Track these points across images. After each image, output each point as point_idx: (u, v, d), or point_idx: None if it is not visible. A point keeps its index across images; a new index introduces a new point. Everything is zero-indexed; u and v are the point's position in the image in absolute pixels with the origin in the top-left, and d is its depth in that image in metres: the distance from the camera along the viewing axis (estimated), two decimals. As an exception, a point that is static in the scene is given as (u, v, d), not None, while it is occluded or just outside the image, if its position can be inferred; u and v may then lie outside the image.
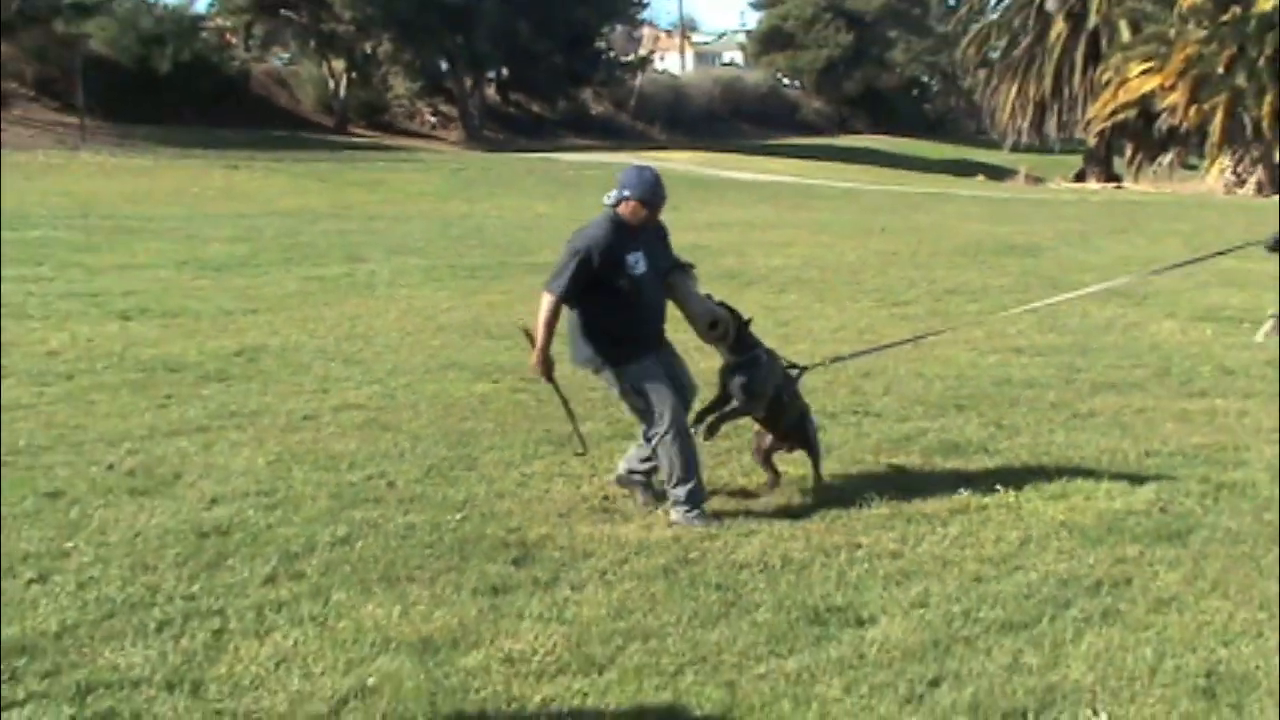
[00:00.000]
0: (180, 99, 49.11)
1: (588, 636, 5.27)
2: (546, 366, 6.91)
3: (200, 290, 15.66)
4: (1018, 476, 7.70)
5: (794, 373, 7.59)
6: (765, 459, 7.60)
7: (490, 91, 62.95)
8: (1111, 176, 55.32)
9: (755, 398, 7.22)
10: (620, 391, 7.05)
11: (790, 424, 7.45)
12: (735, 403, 7.26)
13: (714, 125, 71.39)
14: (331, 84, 56.23)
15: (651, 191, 6.82)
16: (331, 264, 18.63)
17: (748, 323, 7.27)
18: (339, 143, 50.32)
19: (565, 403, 7.34)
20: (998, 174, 57.73)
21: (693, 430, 7.13)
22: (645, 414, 6.98)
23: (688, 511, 6.85)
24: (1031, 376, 10.84)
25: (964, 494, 7.37)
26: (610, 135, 63.40)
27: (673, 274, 7.07)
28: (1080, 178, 56.14)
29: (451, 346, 12.26)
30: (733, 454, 8.13)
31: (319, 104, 57.25)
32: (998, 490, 7.43)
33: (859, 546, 6.47)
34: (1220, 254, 11.57)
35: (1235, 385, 10.51)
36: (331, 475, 7.66)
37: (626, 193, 6.79)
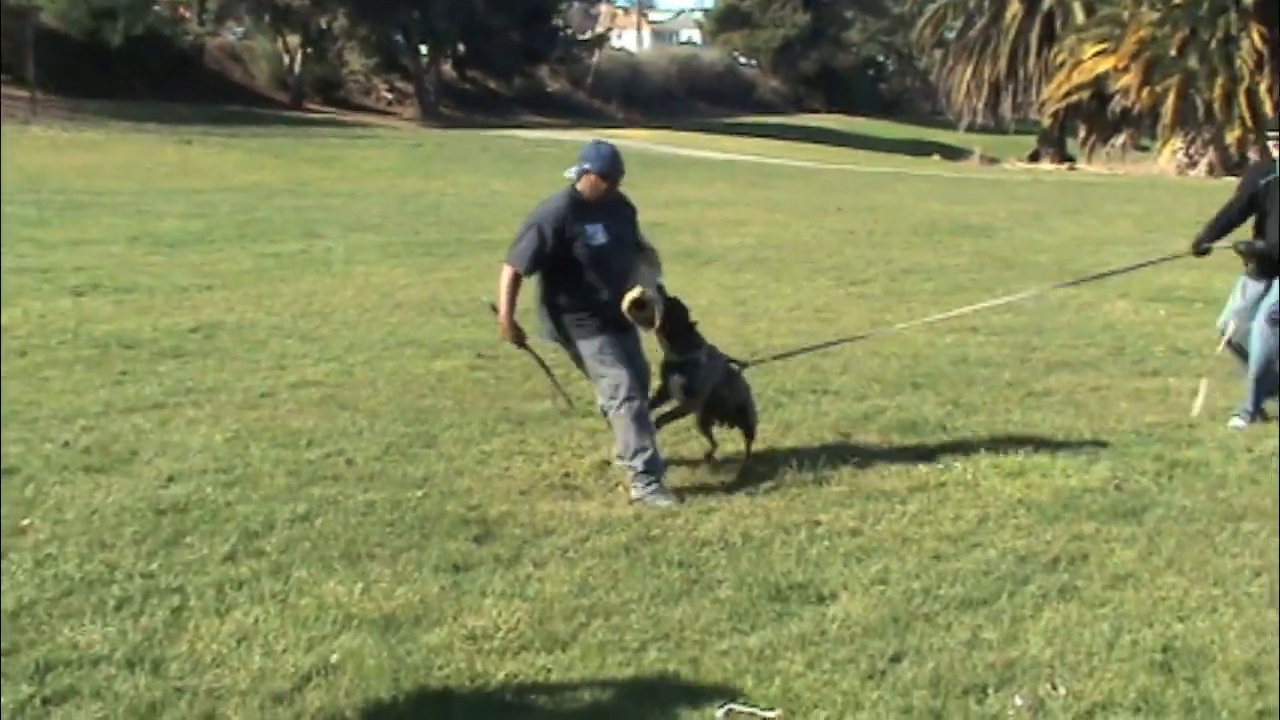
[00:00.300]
0: (133, 73, 48.54)
1: (550, 613, 5.27)
2: (515, 334, 7.04)
3: (154, 266, 15.52)
4: (975, 454, 7.76)
5: (735, 367, 7.65)
6: (704, 429, 7.67)
7: (447, 68, 62.55)
8: (1065, 157, 55.67)
9: (693, 397, 7.34)
10: (578, 363, 7.20)
11: (727, 412, 7.57)
12: (674, 401, 7.38)
13: (671, 103, 71.32)
14: (286, 59, 55.68)
15: (610, 165, 6.94)
16: (288, 240, 18.52)
17: (693, 325, 7.38)
18: (294, 118, 49.89)
19: (542, 364, 7.47)
20: (953, 154, 57.97)
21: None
22: (600, 387, 7.10)
23: (647, 484, 6.87)
24: (988, 355, 10.92)
25: (922, 471, 7.43)
26: (567, 112, 63.19)
27: (637, 254, 7.21)
28: (1034, 158, 56.45)
29: (409, 324, 12.21)
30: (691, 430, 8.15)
31: (274, 79, 56.74)
32: (955, 468, 7.50)
33: (818, 524, 6.50)
34: (1136, 266, 11.44)
35: (1188, 365, 10.61)
36: (290, 453, 7.62)
37: (586, 166, 6.93)
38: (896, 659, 4.90)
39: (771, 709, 4.47)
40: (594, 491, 7.02)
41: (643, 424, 6.96)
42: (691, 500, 6.86)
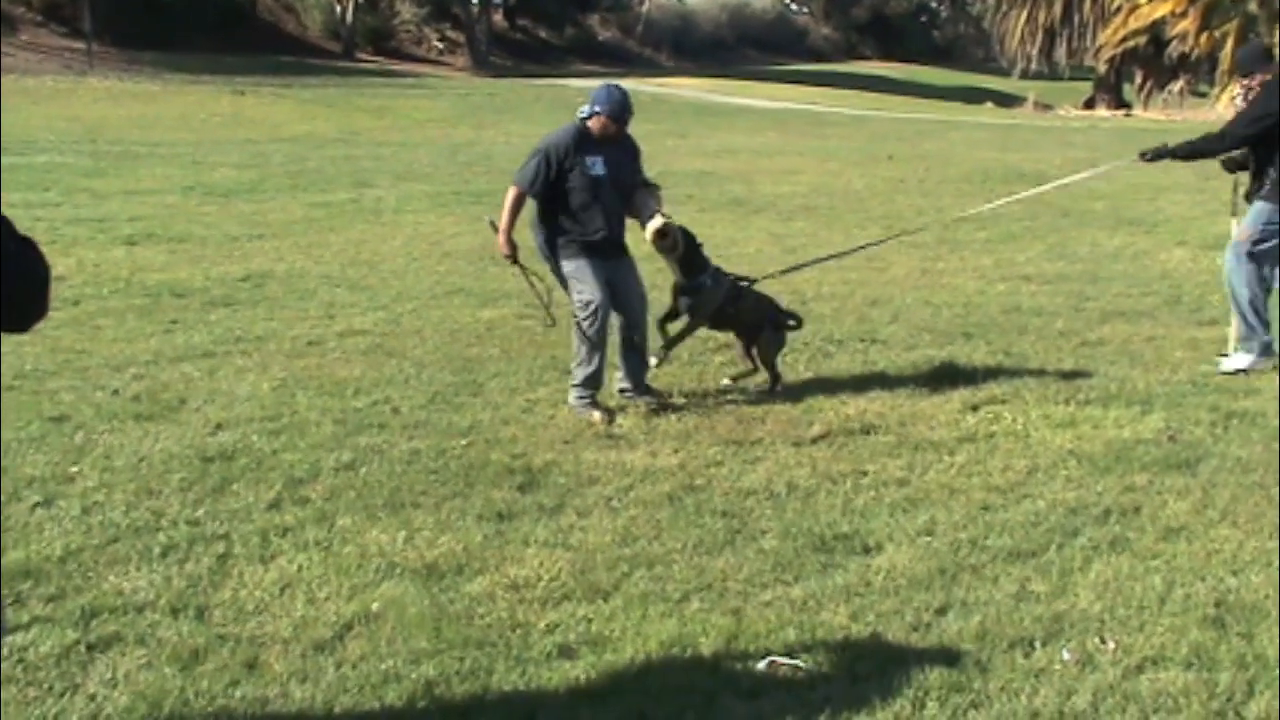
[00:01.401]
0: (188, 25, 48.60)
1: (593, 563, 5.25)
2: (510, 248, 7.55)
3: (206, 216, 15.56)
4: (1025, 405, 7.67)
5: (743, 285, 8.10)
6: (744, 353, 8.20)
7: (497, 17, 62.34)
8: (1121, 104, 54.74)
9: (699, 314, 7.90)
10: (560, 280, 7.67)
11: (747, 329, 8.08)
12: (685, 318, 7.94)
13: (721, 51, 70.80)
14: (338, 9, 55.58)
15: (619, 108, 7.43)
16: (338, 190, 18.52)
17: (699, 246, 7.85)
18: (346, 69, 49.87)
19: (530, 282, 7.82)
20: (1006, 101, 57.15)
21: (659, 356, 7.88)
22: (574, 300, 7.55)
23: (579, 396, 7.52)
24: (1040, 304, 10.78)
25: (971, 422, 7.35)
26: (618, 61, 62.85)
27: (638, 190, 7.72)
28: (1089, 105, 55.55)
29: (457, 272, 12.19)
30: (736, 384, 8.10)
31: (326, 30, 56.67)
32: (1005, 419, 7.41)
33: (865, 474, 6.45)
34: (1095, 174, 11.38)
35: (1246, 314, 10.42)
36: (336, 401, 7.63)
37: (597, 108, 7.42)
38: (942, 611, 4.84)
39: (815, 661, 4.42)
40: (639, 441, 6.98)
41: (596, 344, 7.48)
42: (737, 450, 6.81)
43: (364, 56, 55.06)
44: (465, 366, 8.54)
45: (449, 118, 34.51)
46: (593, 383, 7.54)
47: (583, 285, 7.49)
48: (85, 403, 7.46)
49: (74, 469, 6.25)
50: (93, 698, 4.12)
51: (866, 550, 5.46)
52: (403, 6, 57.68)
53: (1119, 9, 50.01)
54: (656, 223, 7.57)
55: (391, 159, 23.60)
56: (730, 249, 12.76)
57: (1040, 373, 8.46)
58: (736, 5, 78.07)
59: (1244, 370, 8.49)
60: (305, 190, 18.39)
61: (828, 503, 6.02)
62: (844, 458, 6.71)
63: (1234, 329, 8.88)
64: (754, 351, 8.12)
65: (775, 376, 8.07)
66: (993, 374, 8.42)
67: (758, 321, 8.08)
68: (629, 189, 7.66)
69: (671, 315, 7.99)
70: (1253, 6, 44.47)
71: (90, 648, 4.44)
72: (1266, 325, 8.62)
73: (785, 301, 10.88)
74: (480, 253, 13.20)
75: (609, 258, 7.59)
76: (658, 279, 8.78)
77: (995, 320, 10.21)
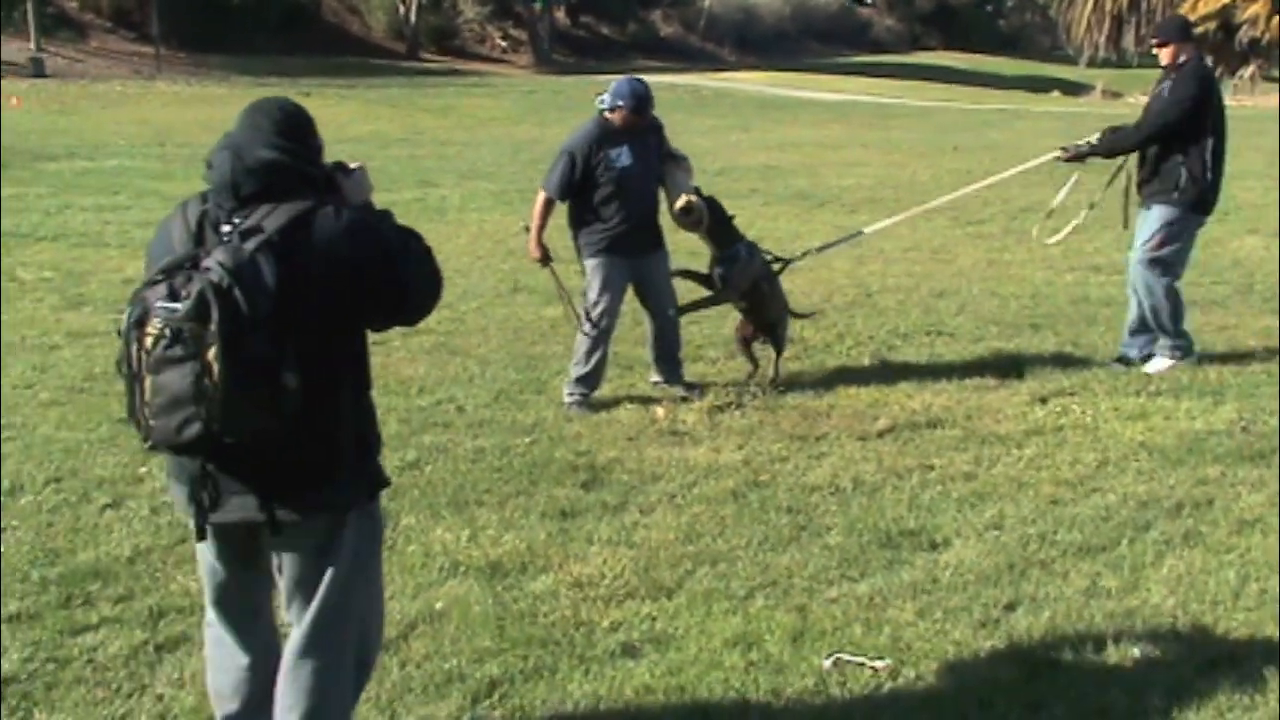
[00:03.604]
0: (253, 27, 49.12)
1: (656, 561, 5.23)
2: (541, 253, 7.67)
3: (273, 217, 15.66)
4: (1095, 397, 7.57)
5: (776, 266, 8.06)
6: (745, 347, 8.12)
7: (560, 14, 62.46)
8: (1192, 90, 53.93)
9: (733, 288, 7.81)
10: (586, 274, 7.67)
11: (770, 315, 7.97)
12: (718, 290, 7.89)
13: (784, 45, 70.49)
14: (402, 9, 55.96)
15: (641, 101, 7.40)
16: (404, 189, 18.59)
17: (730, 219, 7.82)
18: (410, 68, 50.22)
19: (560, 285, 7.92)
20: (1074, 89, 56.46)
21: (676, 313, 7.86)
22: (588, 297, 7.60)
23: (571, 393, 7.55)
24: (1109, 295, 10.61)
25: (1039, 415, 7.26)
26: (681, 57, 62.77)
27: (666, 163, 7.69)
28: (1158, 91, 54.75)
29: (521, 270, 12.16)
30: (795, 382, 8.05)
31: (390, 30, 57.06)
32: (1074, 411, 7.32)
33: (931, 469, 6.38)
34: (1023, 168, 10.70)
35: (1321, 302, 10.24)
36: (401, 400, 7.65)
37: (620, 102, 7.39)
38: (1011, 608, 4.78)
39: (880, 658, 4.37)
40: (702, 437, 6.95)
41: (597, 344, 7.54)
42: (802, 445, 6.77)
43: (428, 56, 55.38)
44: (529, 364, 8.55)
45: (512, 116, 34.60)
46: (588, 382, 7.58)
47: (596, 284, 7.52)
48: (154, 404, 7.51)
49: (143, 470, 6.30)
50: (160, 698, 4.16)
51: (934, 546, 5.40)
52: (466, 5, 57.95)
53: (1188, -6, 49.24)
54: (680, 202, 7.57)
55: (455, 158, 23.69)
56: (794, 242, 12.66)
57: (1111, 363, 8.34)
58: (799, -2, 77.79)
59: (1160, 371, 8.12)
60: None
61: (894, 498, 5.97)
62: (910, 452, 6.65)
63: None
64: (759, 343, 8.11)
65: (778, 370, 8.05)
66: (1061, 366, 8.30)
67: (783, 309, 8.08)
68: (658, 171, 7.63)
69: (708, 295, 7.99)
70: (1325, -12, 43.63)
71: (158, 648, 4.48)
72: (1184, 334, 8.30)
73: (850, 295, 10.87)
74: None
75: (636, 252, 7.56)
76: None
77: (1063, 311, 10.08)
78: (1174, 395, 7.56)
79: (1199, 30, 48.64)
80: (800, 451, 6.67)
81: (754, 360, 8.08)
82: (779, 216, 15.63)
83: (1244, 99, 48.20)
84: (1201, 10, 47.59)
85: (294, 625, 3.46)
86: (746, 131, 28.38)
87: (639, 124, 7.45)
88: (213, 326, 2.96)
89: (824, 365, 8.50)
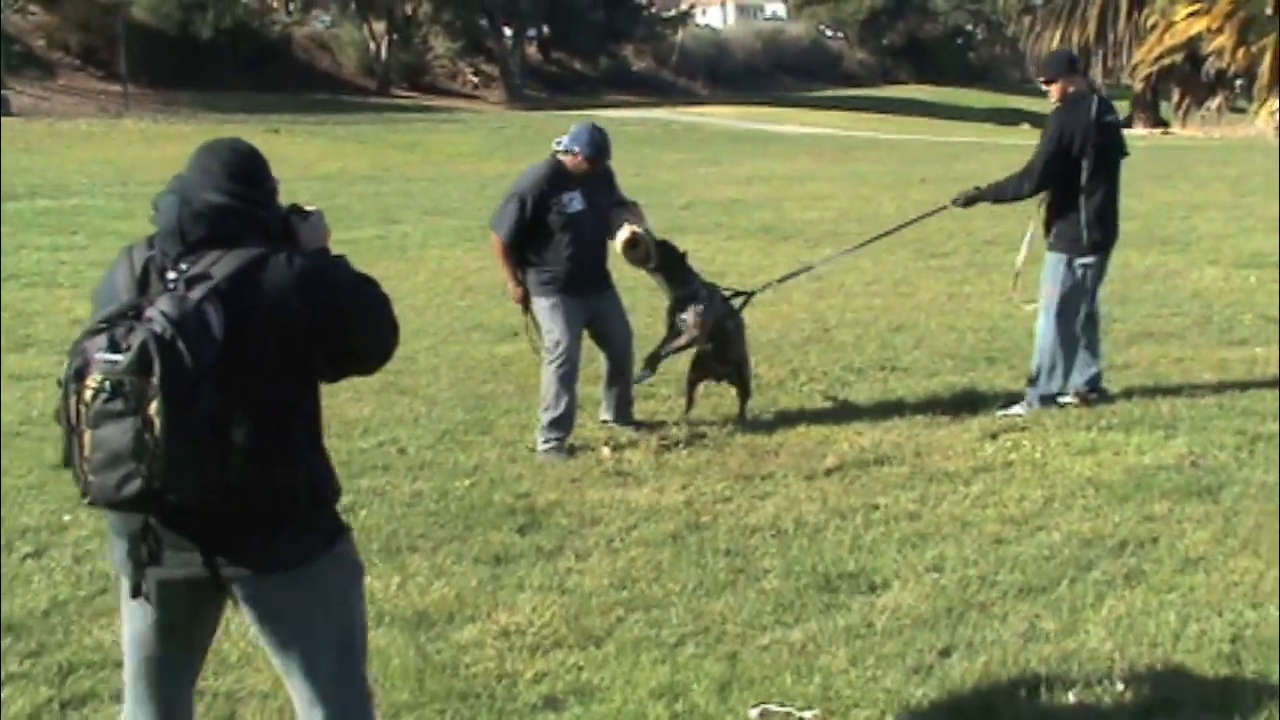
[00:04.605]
0: (223, 64, 48.99)
1: (587, 608, 5.11)
2: (522, 293, 7.50)
3: (230, 256, 15.53)
4: (1046, 432, 7.50)
5: (738, 301, 7.99)
6: (690, 387, 7.94)
7: (531, 50, 62.51)
8: (1159, 121, 54.21)
9: (696, 329, 7.60)
10: (534, 318, 7.54)
11: (734, 355, 7.82)
12: (681, 335, 7.67)
13: (756, 79, 70.66)
14: (373, 46, 55.93)
15: (596, 150, 7.34)
16: (366, 227, 18.48)
17: (683, 256, 7.68)
18: (381, 105, 50.11)
19: (532, 322, 7.62)
20: (1041, 122, 56.29)
21: (644, 374, 7.72)
22: (545, 340, 7.44)
23: (545, 440, 7.31)
24: (1067, 328, 10.54)
25: (989, 451, 7.18)
26: (653, 91, 62.83)
27: (615, 209, 7.57)
28: (1127, 123, 54.85)
29: (479, 307, 12.11)
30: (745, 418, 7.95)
31: (361, 67, 56.98)
32: (1024, 446, 7.24)
33: (876, 508, 6.28)
34: (913, 221, 10.54)
35: (1277, 333, 10.19)
36: (343, 442, 7.50)
37: (577, 148, 7.34)
38: (946, 653, 4.67)
39: (809, 708, 4.26)
40: (646, 478, 6.84)
41: (564, 385, 7.33)
42: (747, 485, 6.66)
43: (399, 92, 55.30)
44: (477, 404, 8.44)
45: (480, 151, 34.57)
46: (561, 426, 7.38)
47: (553, 325, 7.39)
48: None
49: (68, 518, 6.15)
50: (62, 759, 4.02)
51: (872, 588, 5.30)
52: (436, 41, 57.91)
53: (1154, 26, 49.57)
54: (624, 233, 7.43)
55: (420, 195, 23.61)
56: (756, 275, 12.59)
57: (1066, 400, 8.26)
58: (771, 32, 78.04)
59: (1020, 414, 7.94)
60: (332, 228, 18.29)
61: (835, 539, 5.86)
62: (856, 491, 6.55)
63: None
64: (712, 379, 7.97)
65: (744, 411, 7.92)
66: (1014, 400, 8.22)
67: (743, 357, 7.94)
68: (607, 216, 7.53)
69: (672, 336, 7.76)
70: (1290, 19, 43.93)
71: (64, 705, 4.35)
72: (1055, 381, 8.08)
73: (807, 330, 10.79)
74: (502, 287, 13.04)
75: (589, 292, 7.48)
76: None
77: (1020, 345, 9.97)
78: (1125, 429, 7.49)
79: (1166, 62, 49.16)
80: (745, 491, 6.56)
81: (692, 402, 7.96)
82: (742, 251, 15.56)
83: (1211, 130, 48.52)
84: (1168, 42, 48.04)
85: (302, 690, 3.29)
86: (715, 165, 28.37)
87: (594, 171, 7.41)
88: (155, 380, 2.83)
89: (776, 402, 8.41)
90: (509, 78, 58.82)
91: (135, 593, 3.15)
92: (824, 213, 19.80)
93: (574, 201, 7.32)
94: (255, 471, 3.00)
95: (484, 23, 58.34)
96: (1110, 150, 8.07)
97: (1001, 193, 8.32)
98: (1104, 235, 8.07)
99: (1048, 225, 8.14)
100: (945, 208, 8.86)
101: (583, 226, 7.35)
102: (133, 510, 3.02)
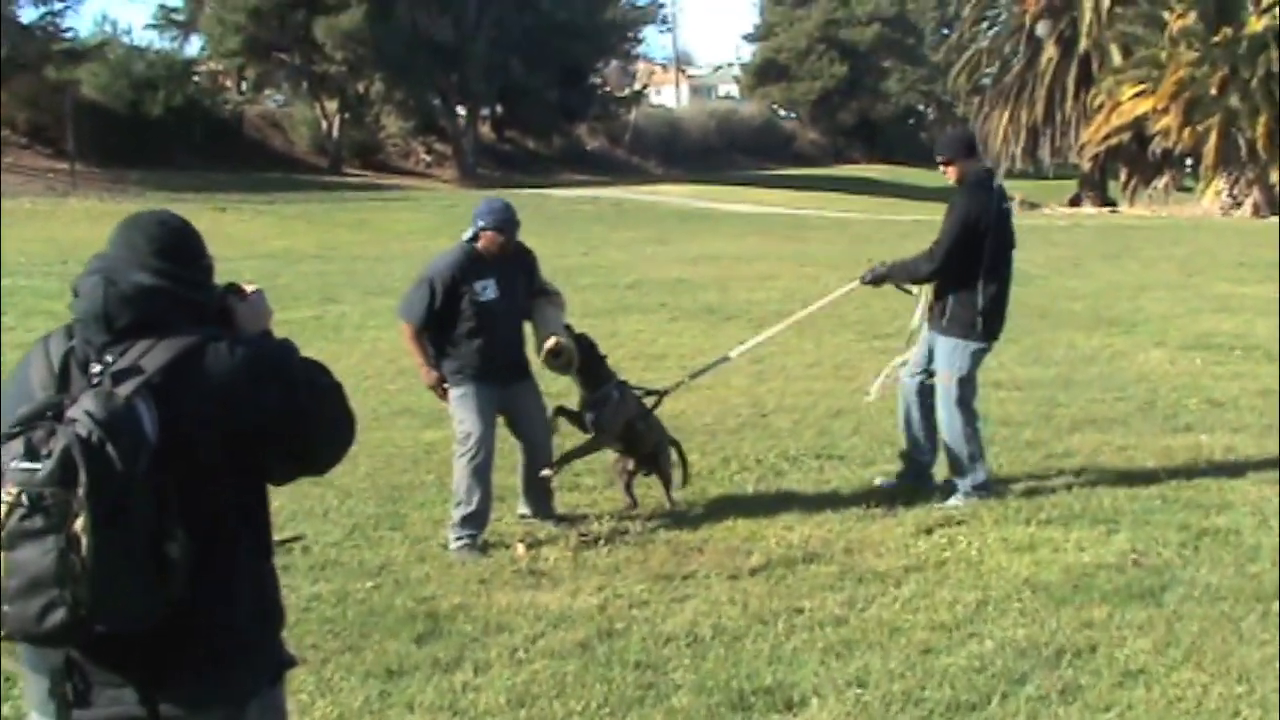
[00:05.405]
0: (174, 143, 48.67)
1: (479, 731, 4.72)
2: (436, 380, 7.18)
3: (158, 338, 15.14)
4: (983, 527, 7.19)
5: (651, 400, 7.77)
6: (626, 483, 7.74)
7: (484, 129, 62.56)
8: (1106, 201, 54.69)
9: (606, 432, 7.42)
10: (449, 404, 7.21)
11: (647, 450, 7.61)
12: (592, 435, 7.46)
13: (710, 158, 70.96)
14: (325, 125, 55.81)
15: (502, 219, 7.05)
16: (304, 307, 18.12)
17: (603, 358, 7.51)
18: (333, 183, 49.82)
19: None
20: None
21: (551, 471, 7.35)
22: (456, 431, 7.15)
23: (458, 537, 6.93)
24: (1008, 413, 10.27)
25: (923, 548, 6.86)
26: (607, 170, 62.97)
27: (537, 299, 7.32)
28: (1075, 202, 55.48)
29: (409, 390, 11.72)
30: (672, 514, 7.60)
31: (314, 145, 56.78)
32: (960, 543, 6.92)
33: (800, 611, 5.93)
34: (826, 303, 10.24)
35: (1223, 419, 9.96)
36: (245, 540, 7.11)
37: (481, 224, 7.04)
38: (864, 781, 4.31)
39: None
40: (561, 578, 6.47)
41: (478, 479, 6.99)
42: (666, 586, 6.30)
43: (351, 170, 55.13)
44: (393, 495, 8.07)
45: (429, 229, 34.24)
46: (473, 523, 7.00)
47: (464, 416, 7.07)
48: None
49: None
50: None
51: (789, 706, 4.94)
52: (389, 120, 57.84)
53: (1101, 106, 50.11)
54: (550, 344, 7.20)
55: (364, 274, 23.26)
56: (696, 358, 12.30)
57: (1002, 490, 7.95)
58: (725, 112, 78.60)
59: (957, 506, 7.68)
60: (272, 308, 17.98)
61: (754, 648, 5.50)
62: (780, 593, 6.20)
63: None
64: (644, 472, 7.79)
65: (670, 494, 7.77)
66: (952, 492, 7.91)
67: (662, 439, 7.73)
68: (525, 307, 7.29)
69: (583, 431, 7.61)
70: (1234, 101, 44.50)
71: None
72: (982, 471, 7.86)
73: (743, 415, 10.48)
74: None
75: (504, 383, 7.18)
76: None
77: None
78: (1064, 524, 7.18)
79: (1113, 141, 49.65)
80: (663, 594, 6.20)
81: (633, 499, 7.71)
82: (684, 331, 15.28)
83: (1159, 209, 48.96)
84: (1115, 122, 48.54)
85: None
86: (664, 244, 28.17)
87: (505, 247, 7.08)
88: (80, 491, 2.46)
89: (706, 493, 8.08)
90: (462, 156, 58.76)
91: None
92: (769, 293, 19.57)
93: (487, 290, 7.02)
94: (195, 590, 2.63)
95: (437, 102, 58.36)
96: (1007, 237, 7.86)
97: (905, 273, 8.12)
98: (998, 324, 7.88)
99: (940, 308, 7.87)
100: (854, 287, 8.55)
101: (495, 316, 7.07)
102: (57, 644, 2.63)
